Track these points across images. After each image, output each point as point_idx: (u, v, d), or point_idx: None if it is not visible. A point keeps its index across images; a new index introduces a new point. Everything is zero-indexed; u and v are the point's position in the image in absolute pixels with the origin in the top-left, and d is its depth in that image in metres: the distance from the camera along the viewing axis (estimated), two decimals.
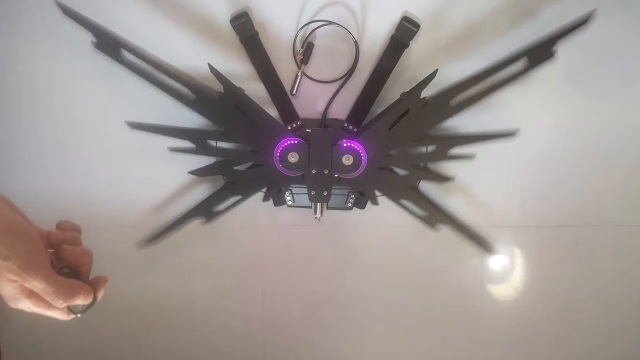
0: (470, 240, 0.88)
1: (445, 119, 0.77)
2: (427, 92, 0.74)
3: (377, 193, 0.85)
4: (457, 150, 0.80)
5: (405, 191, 0.84)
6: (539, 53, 0.70)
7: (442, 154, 0.80)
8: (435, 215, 0.86)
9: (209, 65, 0.73)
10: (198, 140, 0.80)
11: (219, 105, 0.75)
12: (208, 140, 0.81)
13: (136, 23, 0.79)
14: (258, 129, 0.77)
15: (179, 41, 0.80)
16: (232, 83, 0.74)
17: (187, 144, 0.80)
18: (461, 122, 0.83)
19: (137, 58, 0.73)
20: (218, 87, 0.75)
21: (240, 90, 0.76)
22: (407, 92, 0.76)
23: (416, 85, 0.73)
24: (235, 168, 0.84)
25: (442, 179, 0.83)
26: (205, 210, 0.86)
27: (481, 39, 0.80)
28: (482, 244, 0.89)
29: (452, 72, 0.80)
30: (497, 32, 0.79)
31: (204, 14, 0.79)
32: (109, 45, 0.71)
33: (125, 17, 0.78)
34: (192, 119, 0.80)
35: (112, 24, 0.76)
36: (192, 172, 0.83)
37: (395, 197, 0.85)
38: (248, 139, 0.78)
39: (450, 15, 0.78)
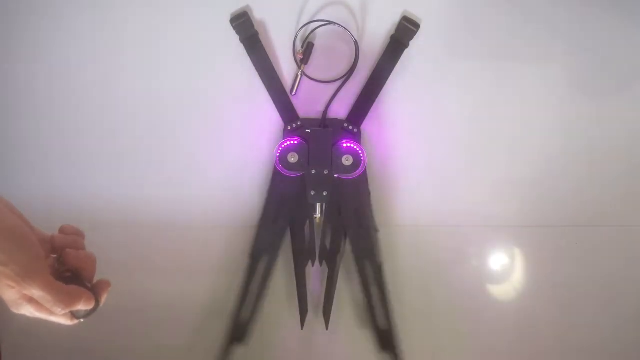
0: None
1: None
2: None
3: None
4: None
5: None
6: None
7: None
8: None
9: None
10: None
11: None
12: None
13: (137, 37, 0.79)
14: None
15: (179, 43, 0.80)
16: None
17: None
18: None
19: None
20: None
21: None
22: None
23: None
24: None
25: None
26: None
27: (481, 38, 0.79)
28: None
29: (452, 72, 0.81)
30: (497, 32, 0.79)
31: (203, 16, 0.79)
32: None
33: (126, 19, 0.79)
34: None
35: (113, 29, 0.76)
36: None
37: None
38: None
39: (450, 15, 0.78)
